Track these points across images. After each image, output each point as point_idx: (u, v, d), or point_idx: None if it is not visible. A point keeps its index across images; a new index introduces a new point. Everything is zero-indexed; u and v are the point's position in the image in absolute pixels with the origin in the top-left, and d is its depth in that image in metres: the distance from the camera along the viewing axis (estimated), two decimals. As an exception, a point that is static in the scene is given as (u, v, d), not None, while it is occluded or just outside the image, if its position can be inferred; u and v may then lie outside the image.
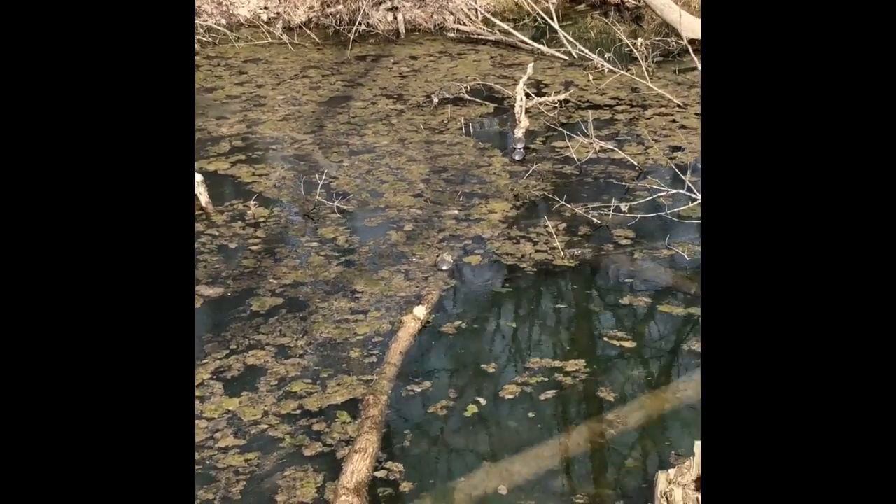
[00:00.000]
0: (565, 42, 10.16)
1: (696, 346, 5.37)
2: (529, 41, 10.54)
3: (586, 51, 9.88)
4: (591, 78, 9.59)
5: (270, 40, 11.28)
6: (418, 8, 11.89)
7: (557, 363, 5.27)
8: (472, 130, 8.49)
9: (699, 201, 6.30)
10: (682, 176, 6.45)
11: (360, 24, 11.32)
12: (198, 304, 5.86)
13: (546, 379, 5.15)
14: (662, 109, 8.83)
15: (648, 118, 8.67)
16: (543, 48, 10.38)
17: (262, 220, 6.97)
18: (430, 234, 6.70)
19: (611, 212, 6.68)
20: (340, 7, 11.77)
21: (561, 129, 8.16)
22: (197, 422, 4.83)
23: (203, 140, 8.42)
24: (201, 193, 7.01)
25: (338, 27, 11.50)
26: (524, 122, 8.35)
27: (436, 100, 9.15)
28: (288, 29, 11.70)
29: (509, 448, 4.71)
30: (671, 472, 4.07)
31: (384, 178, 7.63)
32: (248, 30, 11.71)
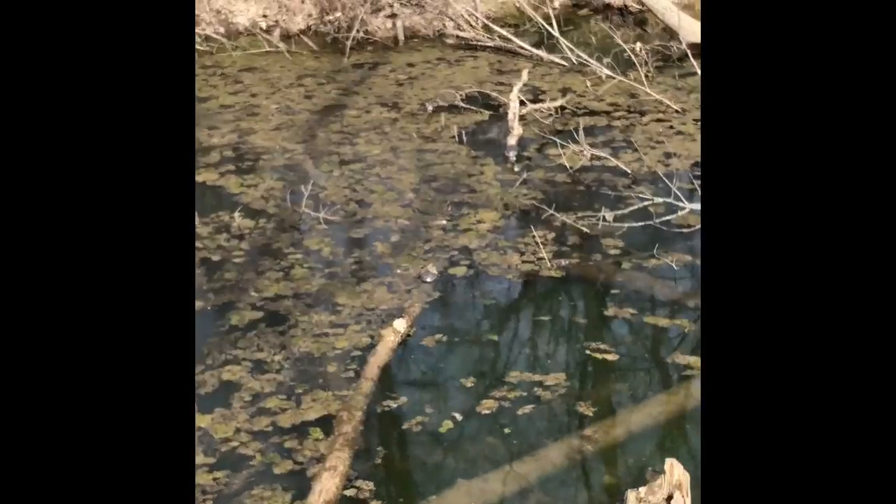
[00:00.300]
0: (566, 47, 10.04)
1: (680, 358, 5.25)
2: (528, 47, 10.43)
3: (584, 56, 9.76)
4: (588, 84, 9.47)
5: (268, 49, 11.21)
6: (418, 15, 11.80)
7: (537, 377, 5.16)
8: (464, 139, 8.38)
9: (687, 210, 6.18)
10: (669, 184, 6.32)
11: (357, 31, 11.23)
12: (176, 319, 5.77)
13: (525, 393, 5.04)
14: (660, 115, 8.71)
15: (645, 124, 8.55)
16: (542, 54, 10.27)
17: (247, 231, 6.89)
18: (417, 245, 6.59)
19: (603, 221, 6.56)
20: (339, 14, 11.69)
21: (552, 137, 8.05)
22: (166, 440, 4.74)
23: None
24: (186, 205, 6.93)
25: (336, 35, 11.42)
26: (517, 129, 8.24)
27: (430, 108, 9.05)
28: (286, 37, 11.63)
29: (484, 465, 4.61)
30: (641, 490, 3.94)
31: (373, 187, 7.54)
32: (247, 38, 11.64)
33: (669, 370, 5.21)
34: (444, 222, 6.92)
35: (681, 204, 6.15)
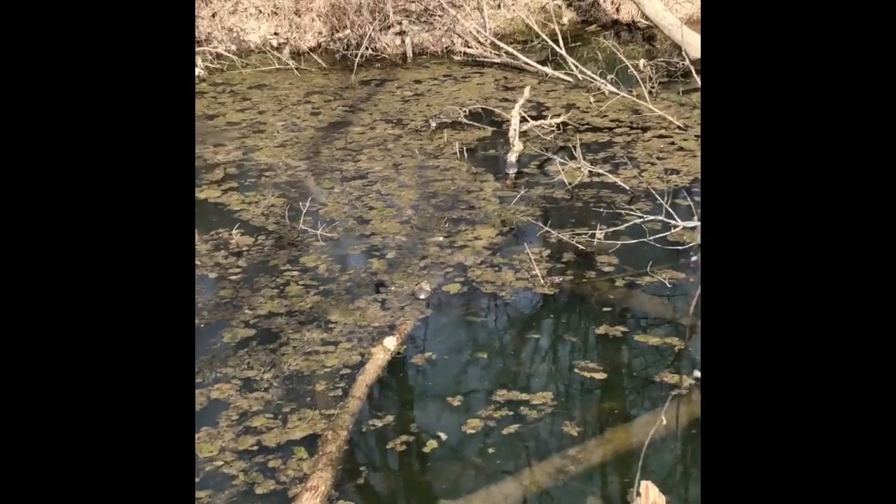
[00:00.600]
0: (571, 63, 10.05)
1: (669, 377, 5.23)
2: (534, 63, 10.45)
3: (588, 72, 9.77)
4: (592, 100, 9.47)
5: (278, 66, 11.28)
6: (426, 31, 11.84)
7: (524, 396, 5.16)
8: (466, 155, 8.40)
9: (680, 227, 6.17)
10: (661, 201, 6.31)
11: (366, 48, 11.28)
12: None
13: (511, 413, 5.03)
14: (662, 131, 8.70)
15: (647, 140, 8.54)
16: (547, 70, 10.27)
17: (245, 248, 6.92)
18: (412, 262, 6.61)
19: (594, 238, 6.55)
20: (348, 32, 11.74)
21: (550, 153, 8.05)
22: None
23: (197, 168, 8.39)
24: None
25: (345, 52, 11.47)
26: (518, 146, 8.25)
27: (433, 124, 9.07)
28: (297, 54, 11.70)
29: (466, 486, 4.60)
30: (617, 512, 3.93)
31: (373, 204, 7.56)
32: (258, 56, 11.71)
33: (658, 390, 5.19)
34: (441, 239, 6.93)
35: (673, 222, 6.12)
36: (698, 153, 8.12)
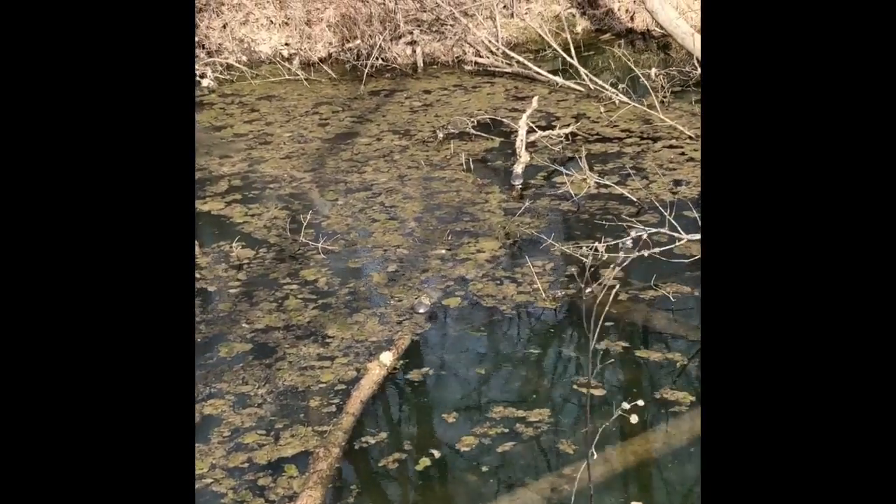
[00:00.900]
0: (582, 73, 9.94)
1: (668, 394, 5.11)
2: (544, 73, 10.35)
3: (599, 82, 9.66)
4: (602, 110, 9.36)
5: (287, 77, 11.23)
6: (438, 41, 11.76)
7: (521, 413, 5.06)
8: (472, 166, 8.30)
9: (685, 240, 6.05)
10: (664, 213, 6.19)
11: (376, 58, 11.22)
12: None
13: (506, 430, 4.94)
14: (673, 142, 8.57)
15: (657, 151, 8.42)
16: (559, 80, 10.17)
17: (245, 262, 6.85)
18: (413, 276, 6.52)
19: (598, 251, 6.43)
20: (358, 42, 11.68)
21: (555, 164, 7.95)
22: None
23: (202, 180, 8.34)
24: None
25: (355, 62, 11.41)
26: (524, 157, 8.15)
27: (441, 135, 8.99)
28: (308, 65, 11.65)
29: (458, 504, 4.51)
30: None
31: (376, 216, 7.48)
32: (268, 67, 11.67)
33: (656, 407, 5.07)
34: (444, 251, 6.84)
35: (677, 234, 6.01)
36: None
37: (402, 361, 5.58)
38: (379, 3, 11.88)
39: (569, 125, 8.99)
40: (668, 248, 6.24)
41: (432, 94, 10.43)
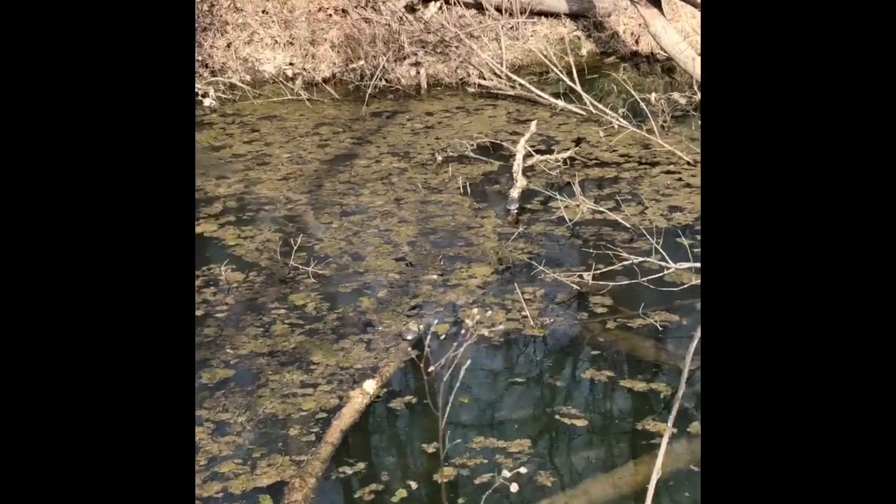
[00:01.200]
0: (584, 96, 9.88)
1: (651, 426, 5.04)
2: (546, 96, 10.30)
3: (599, 105, 9.60)
4: (602, 134, 9.31)
5: (290, 97, 11.22)
6: (442, 63, 11.74)
7: (501, 443, 5.00)
8: (469, 190, 8.26)
9: (673, 269, 5.99)
10: (652, 241, 6.13)
11: (378, 79, 11.20)
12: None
13: (486, 461, 4.88)
14: (671, 167, 8.52)
15: (654, 176, 8.36)
16: (560, 103, 10.12)
17: (235, 285, 6.82)
18: (403, 301, 6.47)
19: (589, 278, 6.38)
20: (362, 63, 11.68)
21: (549, 190, 7.90)
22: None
23: (197, 201, 8.32)
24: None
25: (358, 83, 11.39)
26: (521, 181, 8.10)
27: (439, 158, 8.95)
28: (312, 85, 11.64)
29: (432, 538, 4.45)
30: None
31: (370, 240, 7.44)
32: (272, 86, 11.66)
33: (638, 438, 5.01)
34: (436, 277, 6.80)
35: (664, 263, 5.95)
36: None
37: (385, 389, 5.53)
38: (384, 24, 11.87)
39: (568, 149, 8.95)
40: (657, 276, 6.18)
41: (434, 116, 10.41)
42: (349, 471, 4.89)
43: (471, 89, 11.17)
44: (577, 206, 7.32)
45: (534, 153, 8.61)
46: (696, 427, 5.00)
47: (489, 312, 6.00)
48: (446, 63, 11.74)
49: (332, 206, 8.17)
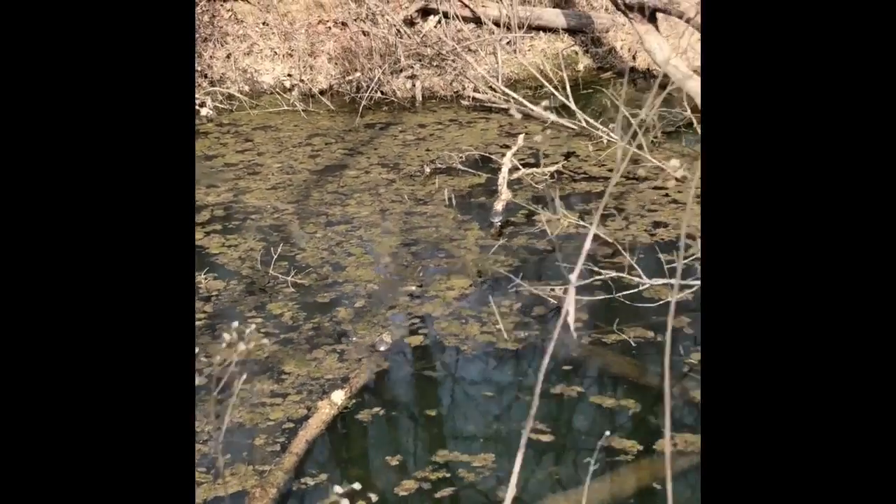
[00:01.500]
0: (575, 111, 9.89)
1: (616, 443, 5.03)
2: (538, 110, 10.29)
3: (591, 120, 9.60)
4: (591, 148, 9.31)
5: (286, 107, 11.26)
6: (437, 76, 11.76)
7: (465, 457, 4.99)
8: (454, 202, 8.27)
9: (648, 285, 5.98)
10: (628, 257, 6.12)
11: (373, 91, 11.23)
12: (117, 383, 5.72)
13: (448, 475, 4.87)
14: (658, 182, 8.50)
15: (641, 192, 8.35)
16: (552, 117, 10.12)
17: (215, 293, 6.83)
18: (379, 312, 6.47)
19: (564, 292, 6.37)
20: (358, 74, 11.71)
21: (531, 205, 7.89)
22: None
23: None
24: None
25: (354, 95, 11.42)
26: (505, 194, 8.10)
27: (427, 170, 8.96)
28: (309, 96, 11.68)
29: (388, 550, 4.44)
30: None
31: (352, 250, 7.45)
32: (270, 97, 11.70)
33: (602, 454, 4.99)
34: (414, 288, 6.80)
35: (638, 279, 5.94)
36: (693, 207, 7.92)
37: (354, 400, 5.52)
38: (381, 36, 11.90)
39: (556, 163, 8.95)
40: (633, 291, 6.17)
41: (427, 129, 10.42)
42: (311, 482, 4.89)
43: (465, 102, 11.18)
44: (558, 219, 7.32)
45: (521, 167, 8.61)
46: (661, 445, 4.98)
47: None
48: (442, 76, 11.76)
49: (317, 216, 8.18)
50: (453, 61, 11.65)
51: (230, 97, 11.66)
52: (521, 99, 10.54)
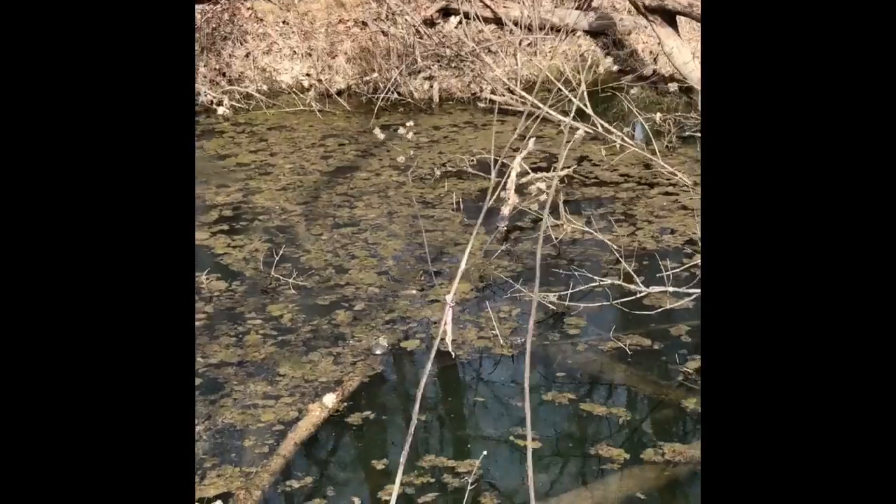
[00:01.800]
0: (590, 115, 9.83)
1: (605, 451, 5.00)
2: (554, 113, 10.23)
3: (605, 124, 9.54)
4: (604, 153, 9.25)
5: (302, 107, 11.28)
6: (455, 77, 11.74)
7: (451, 462, 4.97)
8: (462, 206, 8.25)
9: (645, 292, 5.93)
10: (626, 265, 6.08)
11: (392, 92, 11.23)
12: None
13: (432, 480, 4.85)
14: (669, 188, 8.44)
15: (651, 197, 8.30)
16: (567, 120, 10.06)
17: (216, 294, 6.85)
18: (379, 315, 6.47)
19: (558, 299, 6.34)
20: (375, 75, 11.70)
21: (535, 210, 7.86)
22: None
23: (195, 208, 8.37)
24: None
25: (371, 95, 11.42)
26: (513, 199, 8.07)
27: (438, 173, 8.95)
28: (327, 96, 11.69)
29: (368, 556, 4.43)
30: None
31: (357, 253, 7.45)
32: (288, 97, 11.72)
33: (590, 462, 4.96)
34: (415, 292, 6.79)
35: (633, 287, 5.89)
36: (699, 212, 7.87)
37: (346, 404, 5.52)
38: (399, 37, 11.90)
39: (568, 167, 8.90)
40: (631, 299, 6.13)
41: (440, 131, 10.41)
42: (296, 484, 4.89)
43: (481, 105, 11.16)
44: (561, 225, 7.29)
45: (530, 171, 8.57)
46: (649, 454, 4.95)
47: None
48: (460, 78, 11.74)
49: (325, 217, 8.19)
50: (472, 62, 11.63)
51: (248, 96, 11.68)
52: (536, 101, 10.48)
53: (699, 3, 10.91)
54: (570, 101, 10.66)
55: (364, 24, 12.50)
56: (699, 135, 9.71)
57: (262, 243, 7.68)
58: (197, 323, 6.46)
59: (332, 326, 6.38)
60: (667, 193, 8.36)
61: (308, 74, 12.22)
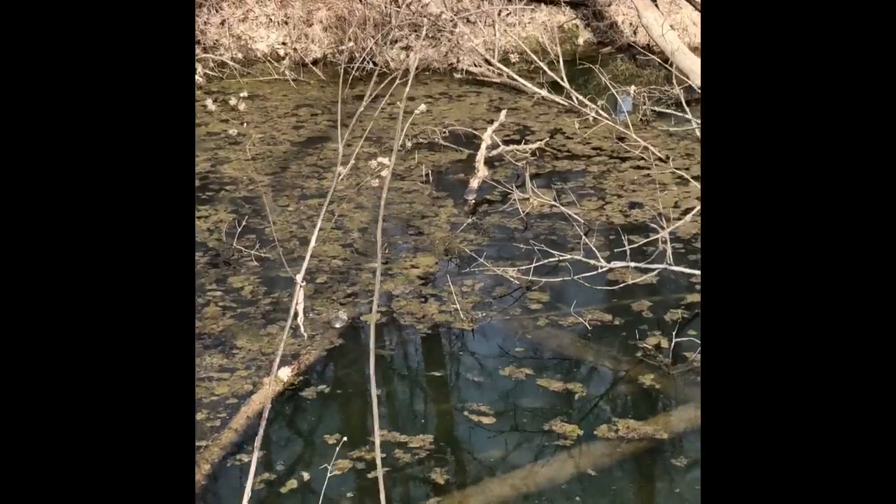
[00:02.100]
0: (565, 87, 9.76)
1: (558, 426, 4.95)
2: (529, 85, 10.17)
3: (580, 97, 9.46)
4: (577, 126, 9.18)
5: (277, 76, 11.17)
6: (432, 48, 11.64)
7: (403, 437, 4.92)
8: (432, 178, 8.18)
9: (607, 267, 5.87)
10: (587, 241, 6.02)
11: (368, 62, 11.12)
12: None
13: (384, 455, 4.79)
14: (641, 162, 8.38)
15: (622, 171, 8.23)
16: (542, 93, 9.99)
17: (178, 265, 6.77)
18: (340, 289, 6.40)
19: (527, 274, 6.28)
20: (351, 44, 11.59)
21: (512, 181, 7.79)
22: None
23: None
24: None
25: (346, 65, 11.31)
26: (482, 171, 8.01)
27: (409, 144, 8.86)
28: (302, 65, 11.59)
29: (314, 531, 4.39)
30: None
31: (322, 225, 7.36)
32: (263, 65, 11.60)
33: (544, 438, 4.91)
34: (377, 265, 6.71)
35: (594, 261, 5.82)
36: (670, 186, 7.81)
37: (301, 378, 5.46)
38: (376, 5, 11.79)
39: (539, 140, 8.83)
40: (593, 273, 6.07)
41: (415, 102, 10.28)
42: (246, 458, 4.83)
43: (458, 75, 11.06)
44: (527, 199, 7.23)
45: (501, 143, 8.50)
46: (603, 430, 4.91)
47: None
48: (436, 48, 11.64)
49: (292, 188, 8.12)
50: (451, 33, 11.53)
51: (222, 65, 11.57)
52: (512, 73, 10.41)
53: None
54: (545, 72, 10.60)
55: (342, -8, 12.38)
56: (674, 109, 9.65)
57: (227, 214, 7.60)
58: (156, 294, 6.38)
59: (292, 299, 6.30)
60: (637, 167, 8.30)
61: (284, 43, 12.11)
